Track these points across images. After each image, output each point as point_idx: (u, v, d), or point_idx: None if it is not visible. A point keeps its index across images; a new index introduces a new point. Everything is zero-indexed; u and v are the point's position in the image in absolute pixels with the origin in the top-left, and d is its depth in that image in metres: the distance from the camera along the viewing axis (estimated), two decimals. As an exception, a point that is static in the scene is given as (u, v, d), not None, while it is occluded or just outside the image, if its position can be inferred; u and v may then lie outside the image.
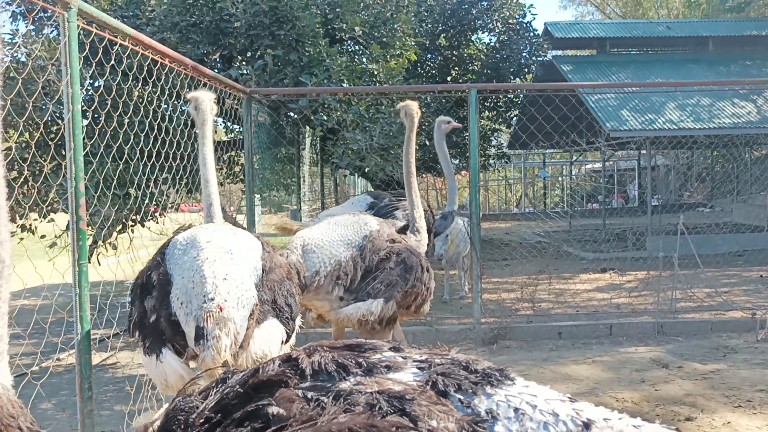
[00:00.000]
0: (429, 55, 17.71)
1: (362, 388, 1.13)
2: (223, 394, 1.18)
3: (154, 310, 3.12)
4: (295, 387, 1.16)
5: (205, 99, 4.16)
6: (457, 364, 1.24)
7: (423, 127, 13.23)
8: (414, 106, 5.42)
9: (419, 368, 1.23)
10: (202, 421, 1.15)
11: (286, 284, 3.38)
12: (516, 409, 1.16)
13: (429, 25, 16.95)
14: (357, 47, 11.06)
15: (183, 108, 7.20)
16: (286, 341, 3.34)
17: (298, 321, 3.51)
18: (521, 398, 1.19)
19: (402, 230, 5.14)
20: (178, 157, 5.95)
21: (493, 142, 21.25)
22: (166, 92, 5.55)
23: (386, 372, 1.20)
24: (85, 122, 6.25)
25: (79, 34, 3.84)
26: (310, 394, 1.13)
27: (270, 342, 3.18)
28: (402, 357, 1.27)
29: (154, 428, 1.24)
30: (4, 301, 1.32)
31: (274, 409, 1.10)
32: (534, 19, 31.83)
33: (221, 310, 2.92)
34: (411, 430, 1.05)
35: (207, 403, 1.18)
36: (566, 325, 8.15)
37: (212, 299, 2.94)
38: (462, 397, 1.17)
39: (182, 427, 1.16)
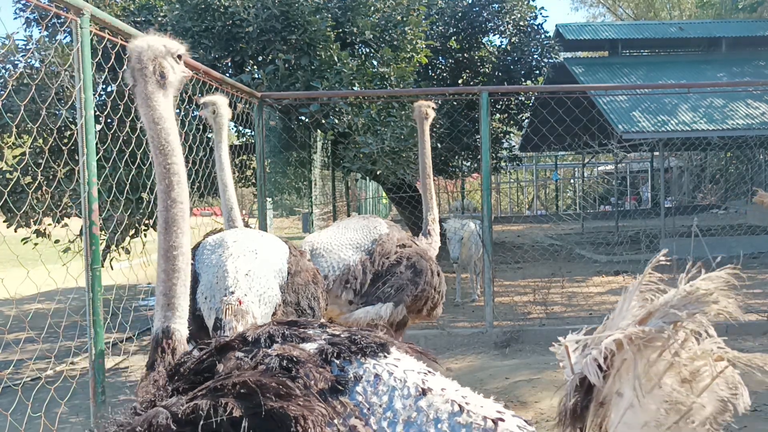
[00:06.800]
0: (440, 58, 17.69)
1: (273, 352, 1.47)
2: (204, 353, 1.57)
3: None
4: (239, 350, 1.53)
5: (224, 104, 4.19)
6: (349, 338, 1.55)
7: (433, 130, 13.22)
8: (423, 105, 5.40)
9: (326, 340, 1.54)
10: (191, 370, 1.54)
11: (311, 287, 3.41)
12: (376, 375, 1.47)
13: (440, 28, 16.93)
14: (368, 50, 11.07)
15: (195, 113, 7.24)
16: None
17: None
18: (385, 367, 1.49)
19: None
20: (190, 162, 5.98)
21: (505, 145, 21.18)
22: (178, 97, 5.57)
23: (299, 342, 1.54)
24: (98, 127, 6.29)
25: (91, 39, 3.86)
26: (241, 355, 1.51)
27: None
28: (321, 332, 1.60)
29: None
30: None
31: (219, 366, 1.50)
32: (545, 21, 31.85)
33: (240, 303, 2.97)
34: (289, 385, 1.38)
35: (194, 358, 1.57)
36: (579, 328, 8.02)
37: (233, 292, 3.00)
38: (339, 363, 1.48)
39: (179, 372, 1.56)
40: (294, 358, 1.45)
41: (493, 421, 1.42)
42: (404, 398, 1.44)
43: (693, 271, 1.53)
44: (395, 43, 10.72)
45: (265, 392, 1.35)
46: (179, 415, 1.35)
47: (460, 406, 1.44)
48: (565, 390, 1.55)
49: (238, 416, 1.31)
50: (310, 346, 1.52)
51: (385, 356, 1.53)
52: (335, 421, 1.38)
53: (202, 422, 1.31)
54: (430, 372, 1.53)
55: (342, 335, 1.57)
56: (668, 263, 1.64)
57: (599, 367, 1.47)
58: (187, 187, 2.48)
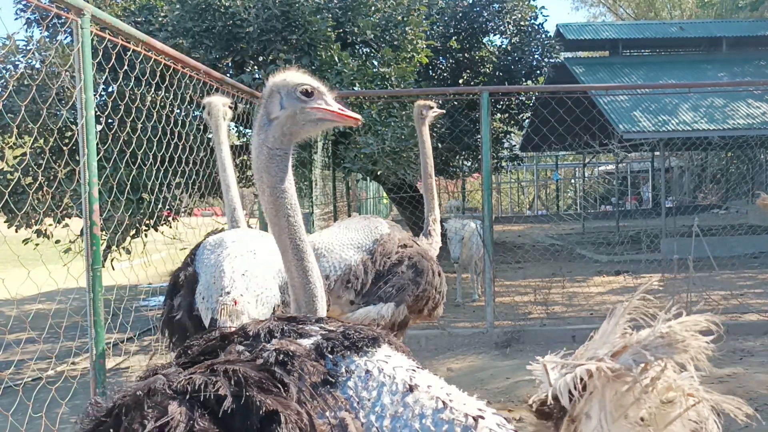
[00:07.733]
0: (441, 58, 17.67)
1: (271, 347, 1.55)
2: (210, 338, 1.69)
3: (180, 308, 3.19)
4: (239, 343, 1.63)
5: (218, 104, 4.17)
6: (342, 333, 1.63)
7: (434, 130, 13.22)
8: (423, 104, 5.38)
9: (322, 336, 1.63)
10: (196, 352, 1.65)
11: None
12: (367, 371, 1.55)
13: (440, 28, 16.92)
14: (368, 50, 11.07)
15: (196, 113, 7.24)
16: None
17: None
18: (375, 363, 1.57)
19: None
20: (191, 162, 5.98)
21: (506, 145, 21.16)
22: (179, 97, 5.58)
23: (296, 338, 1.63)
24: (99, 128, 6.30)
25: (92, 40, 3.86)
26: (241, 348, 1.61)
27: None
28: (318, 328, 1.68)
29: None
30: None
31: (221, 355, 1.60)
32: (546, 21, 31.83)
33: (236, 304, 2.96)
34: (270, 381, 1.45)
35: (202, 342, 1.69)
36: (580, 328, 8.07)
37: (228, 293, 2.99)
38: (332, 357, 1.56)
39: (186, 352, 1.67)
40: (290, 353, 1.53)
41: (473, 418, 1.49)
42: (392, 394, 1.52)
43: (674, 311, 1.63)
44: (396, 43, 10.72)
45: (249, 382, 1.45)
46: (174, 384, 1.46)
47: (444, 402, 1.52)
48: (539, 397, 1.67)
49: (222, 395, 1.41)
50: (307, 342, 1.61)
51: (376, 352, 1.62)
52: (326, 413, 1.45)
53: (192, 393, 1.43)
54: (418, 369, 1.62)
55: (337, 330, 1.66)
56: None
57: (570, 391, 1.58)
58: (291, 218, 2.33)
